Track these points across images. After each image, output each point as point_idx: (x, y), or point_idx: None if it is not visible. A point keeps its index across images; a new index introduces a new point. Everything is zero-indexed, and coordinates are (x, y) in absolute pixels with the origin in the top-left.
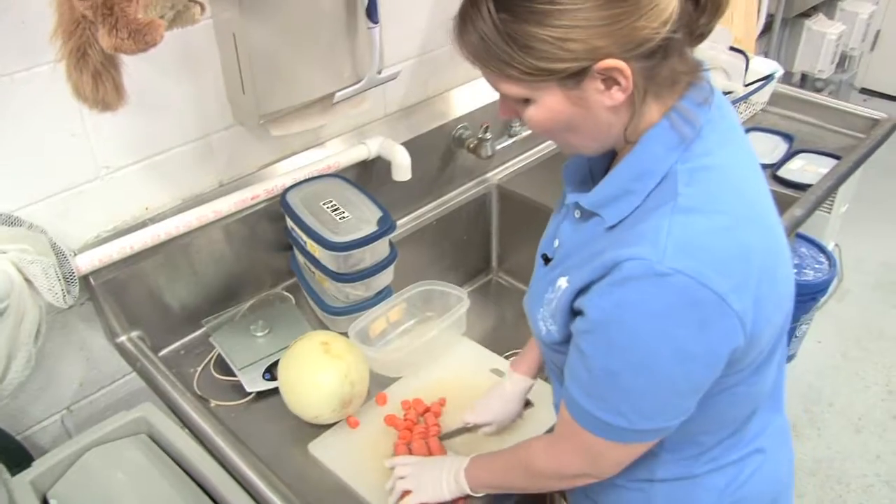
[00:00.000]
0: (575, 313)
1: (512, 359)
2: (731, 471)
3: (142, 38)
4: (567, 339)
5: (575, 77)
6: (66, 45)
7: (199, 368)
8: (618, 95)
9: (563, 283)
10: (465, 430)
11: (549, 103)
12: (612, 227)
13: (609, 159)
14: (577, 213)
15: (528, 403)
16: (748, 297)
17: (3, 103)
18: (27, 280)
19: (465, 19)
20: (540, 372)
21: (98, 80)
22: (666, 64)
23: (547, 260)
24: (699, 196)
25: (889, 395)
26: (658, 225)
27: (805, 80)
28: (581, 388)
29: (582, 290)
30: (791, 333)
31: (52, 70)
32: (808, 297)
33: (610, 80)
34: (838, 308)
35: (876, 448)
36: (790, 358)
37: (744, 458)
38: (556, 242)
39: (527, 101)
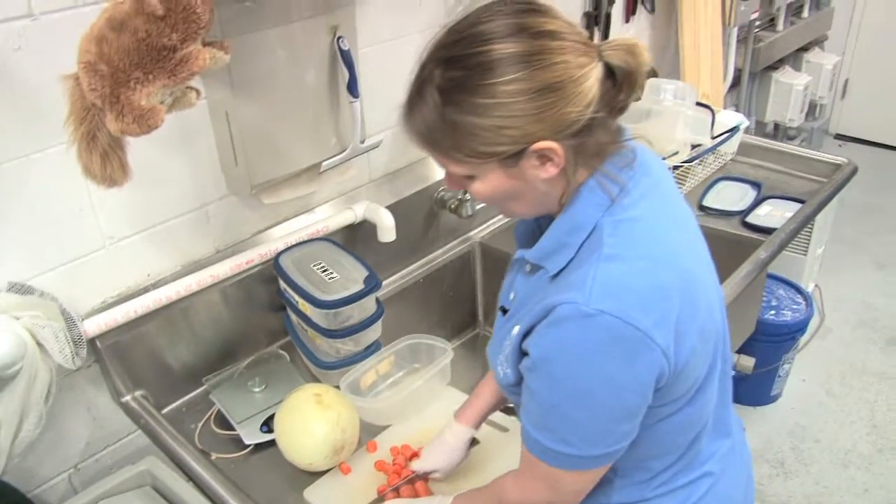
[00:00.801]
0: (524, 354)
1: (458, 409)
2: (682, 493)
3: (145, 123)
4: (519, 382)
5: (513, 157)
6: (78, 130)
7: (201, 424)
8: (551, 170)
9: (515, 330)
10: (417, 477)
11: (492, 179)
12: (554, 277)
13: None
14: (527, 268)
15: (474, 441)
16: (669, 332)
17: (20, 182)
18: (39, 344)
19: (413, 111)
20: (483, 420)
21: (106, 160)
22: (591, 138)
23: (504, 311)
24: (621, 245)
25: (874, 430)
26: (586, 273)
27: (778, 129)
28: (531, 421)
29: (527, 334)
30: (775, 373)
31: (65, 152)
32: (787, 336)
33: (544, 157)
34: (821, 347)
35: (863, 481)
36: (776, 397)
37: (694, 482)
38: (512, 295)
39: (471, 177)
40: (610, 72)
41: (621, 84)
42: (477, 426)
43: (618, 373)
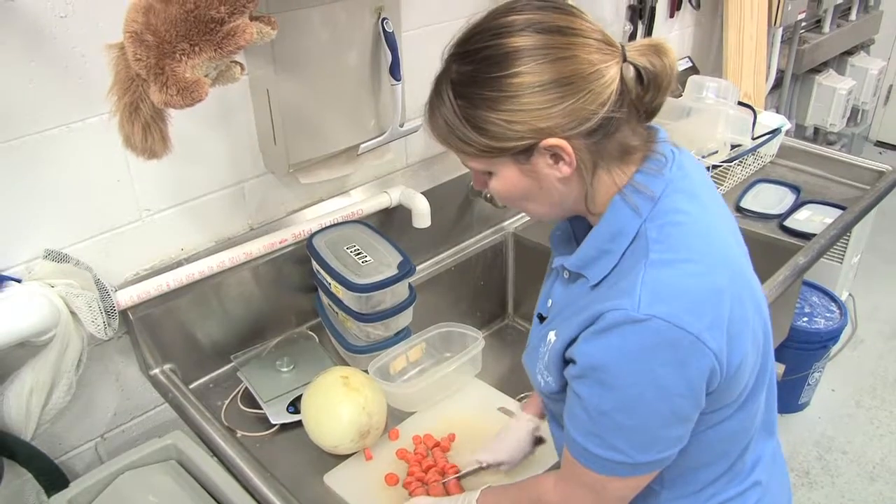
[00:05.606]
0: (567, 362)
1: (524, 401)
2: None
3: (189, 95)
4: (562, 389)
5: (525, 153)
6: (122, 100)
7: (227, 401)
8: (565, 169)
9: (552, 336)
10: (481, 469)
11: (506, 175)
12: (595, 286)
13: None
14: (565, 275)
15: (539, 440)
16: (722, 335)
17: (60, 150)
18: (72, 312)
19: (432, 106)
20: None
21: (147, 132)
22: (613, 139)
23: (542, 319)
24: (669, 249)
25: None
26: (634, 280)
27: (818, 134)
28: (578, 429)
29: (572, 342)
30: (804, 381)
31: (106, 121)
32: (818, 344)
33: (556, 155)
34: (852, 357)
35: (892, 497)
36: (803, 406)
37: (743, 493)
38: (550, 302)
39: (489, 174)
40: (639, 73)
41: (647, 85)
42: (543, 417)
43: (669, 378)
